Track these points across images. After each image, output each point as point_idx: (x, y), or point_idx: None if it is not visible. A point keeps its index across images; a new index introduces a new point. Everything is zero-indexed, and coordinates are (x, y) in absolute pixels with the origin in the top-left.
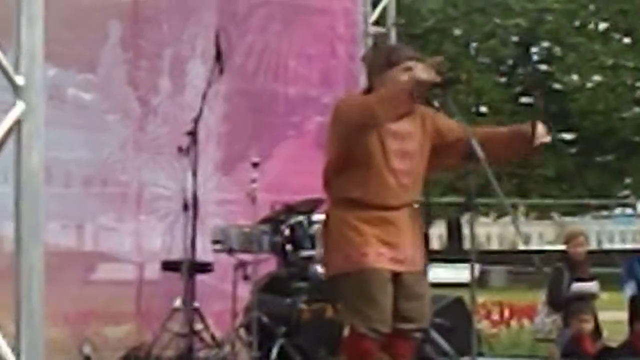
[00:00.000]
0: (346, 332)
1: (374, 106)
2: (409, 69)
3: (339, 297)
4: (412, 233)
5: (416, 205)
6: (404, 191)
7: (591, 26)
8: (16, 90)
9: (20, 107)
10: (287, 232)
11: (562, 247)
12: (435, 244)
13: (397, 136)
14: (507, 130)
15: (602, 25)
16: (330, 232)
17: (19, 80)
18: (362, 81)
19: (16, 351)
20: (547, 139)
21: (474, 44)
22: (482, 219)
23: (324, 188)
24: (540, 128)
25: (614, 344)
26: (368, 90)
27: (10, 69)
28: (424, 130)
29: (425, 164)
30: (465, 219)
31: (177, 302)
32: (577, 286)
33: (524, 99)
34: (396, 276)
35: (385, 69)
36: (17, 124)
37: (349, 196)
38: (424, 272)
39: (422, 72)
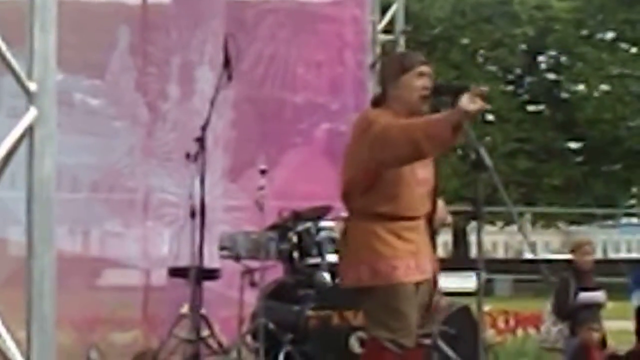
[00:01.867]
0: (367, 344)
1: (421, 143)
2: (422, 74)
3: (363, 309)
4: (428, 241)
5: None
6: (427, 199)
7: (598, 35)
8: (29, 96)
9: (32, 113)
10: (294, 239)
11: (568, 256)
12: (440, 252)
13: None
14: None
15: (610, 35)
16: (353, 243)
17: (32, 86)
18: (371, 88)
19: (27, 356)
20: (445, 219)
21: (481, 52)
22: (489, 227)
23: (343, 201)
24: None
25: (621, 353)
26: (381, 97)
27: (23, 75)
28: None
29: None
30: (471, 227)
31: (184, 309)
32: (584, 296)
33: (531, 108)
34: (416, 285)
35: (399, 75)
36: (30, 129)
37: (377, 211)
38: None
39: (468, 103)
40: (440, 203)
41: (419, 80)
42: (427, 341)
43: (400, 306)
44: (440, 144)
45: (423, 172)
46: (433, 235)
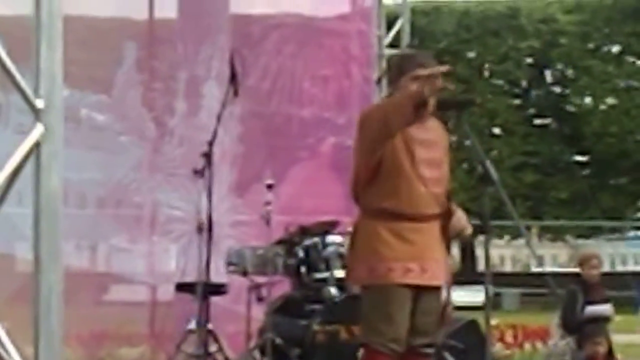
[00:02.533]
0: (362, 350)
1: (387, 114)
2: (416, 77)
3: (361, 308)
4: (439, 247)
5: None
6: (435, 200)
7: (605, 49)
8: (36, 113)
9: (39, 129)
10: (301, 254)
11: (575, 269)
12: None
13: (424, 144)
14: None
15: (616, 48)
16: (357, 242)
17: (39, 103)
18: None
19: None
20: (464, 229)
21: (487, 66)
22: (496, 241)
23: (352, 199)
24: (457, 219)
25: None
26: (388, 97)
27: (29, 92)
28: (446, 140)
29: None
30: (479, 241)
31: (191, 324)
32: (592, 309)
33: (538, 121)
34: (417, 290)
35: (398, 78)
36: (36, 146)
37: (380, 206)
38: (447, 287)
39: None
40: (460, 213)
41: (415, 83)
42: (429, 350)
43: (391, 310)
44: (401, 116)
45: (430, 172)
46: (449, 243)
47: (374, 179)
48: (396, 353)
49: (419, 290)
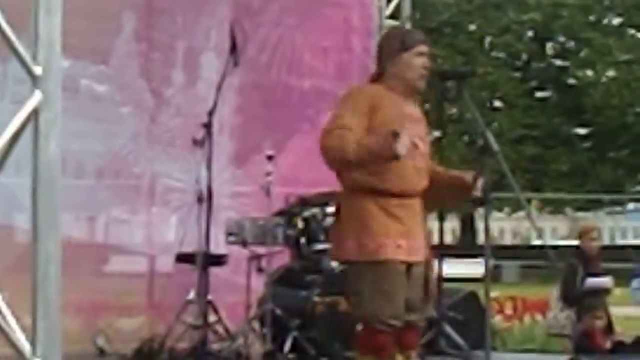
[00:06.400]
0: (359, 326)
1: (350, 157)
2: (422, 53)
3: (349, 285)
4: (421, 222)
5: None
6: (420, 176)
7: (606, 21)
8: (34, 79)
9: (37, 96)
10: (301, 224)
11: (575, 242)
12: (448, 239)
13: (412, 120)
14: (450, 174)
15: (617, 20)
16: (344, 218)
17: (37, 70)
18: None
19: (32, 341)
20: (479, 194)
21: (488, 39)
22: (496, 214)
23: (337, 175)
24: (481, 182)
25: (627, 339)
26: (379, 75)
27: (28, 58)
28: (424, 118)
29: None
30: (478, 213)
31: (191, 295)
32: (592, 281)
33: (538, 94)
34: (408, 267)
35: (399, 53)
36: (35, 113)
37: (369, 185)
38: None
39: (403, 148)
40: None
41: (419, 59)
42: (422, 323)
43: (387, 286)
44: (364, 163)
45: (421, 145)
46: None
47: None
48: (395, 328)
49: (406, 266)
